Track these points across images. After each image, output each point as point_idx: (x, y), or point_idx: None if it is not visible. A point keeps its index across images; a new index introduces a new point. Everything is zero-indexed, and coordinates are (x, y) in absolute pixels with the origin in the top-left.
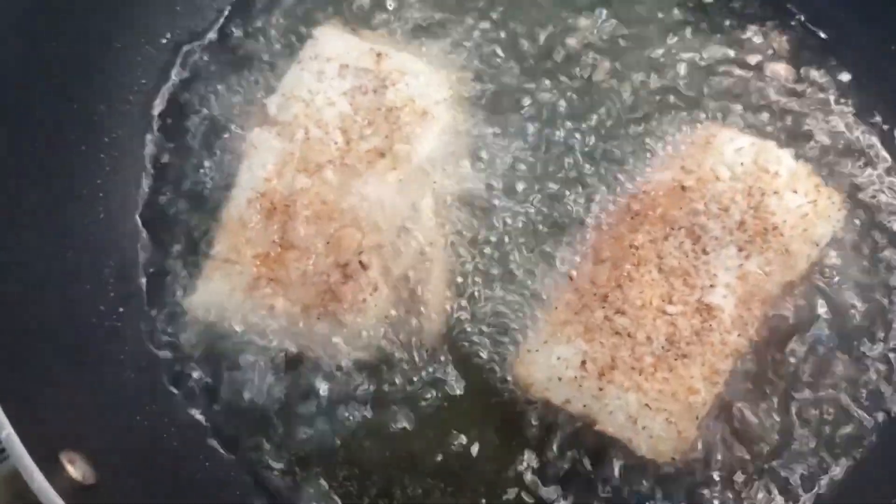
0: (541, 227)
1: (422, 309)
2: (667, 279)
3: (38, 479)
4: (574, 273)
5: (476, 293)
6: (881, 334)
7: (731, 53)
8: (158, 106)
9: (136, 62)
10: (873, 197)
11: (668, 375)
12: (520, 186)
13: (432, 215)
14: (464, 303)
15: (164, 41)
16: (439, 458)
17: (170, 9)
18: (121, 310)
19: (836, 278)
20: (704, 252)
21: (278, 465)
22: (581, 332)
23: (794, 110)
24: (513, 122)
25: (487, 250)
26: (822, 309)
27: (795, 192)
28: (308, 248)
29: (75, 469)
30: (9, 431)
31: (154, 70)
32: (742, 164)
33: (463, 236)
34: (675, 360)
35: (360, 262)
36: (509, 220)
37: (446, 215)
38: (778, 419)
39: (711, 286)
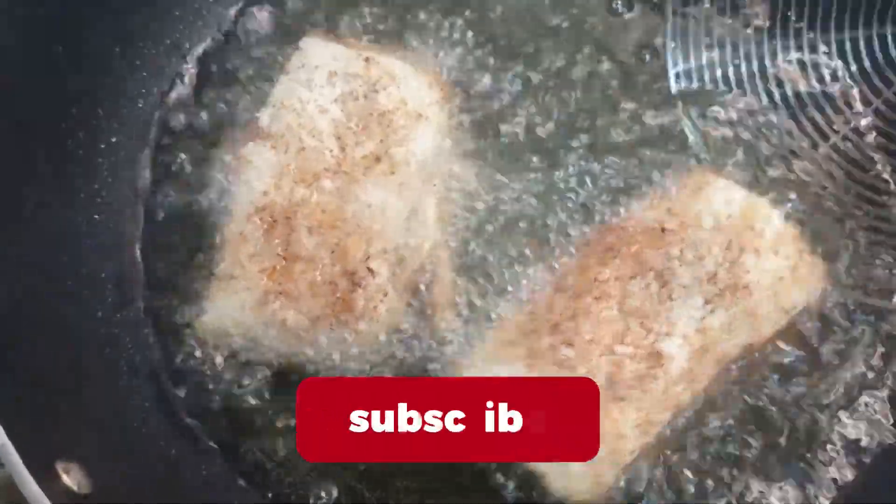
0: (528, 237)
1: (430, 313)
2: (624, 318)
3: (32, 489)
4: (532, 295)
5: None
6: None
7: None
8: (157, 113)
9: (135, 67)
10: (861, 273)
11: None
12: (517, 187)
13: (435, 217)
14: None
15: (164, 47)
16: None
17: (170, 16)
18: (118, 316)
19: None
20: (670, 298)
21: (277, 474)
22: (522, 356)
23: (793, 166)
24: (508, 121)
25: (484, 253)
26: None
27: (776, 254)
28: (314, 258)
29: (71, 478)
30: (3, 440)
31: (153, 77)
32: (729, 216)
33: (464, 239)
34: (610, 402)
35: (369, 269)
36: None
37: (449, 216)
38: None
39: (667, 334)
